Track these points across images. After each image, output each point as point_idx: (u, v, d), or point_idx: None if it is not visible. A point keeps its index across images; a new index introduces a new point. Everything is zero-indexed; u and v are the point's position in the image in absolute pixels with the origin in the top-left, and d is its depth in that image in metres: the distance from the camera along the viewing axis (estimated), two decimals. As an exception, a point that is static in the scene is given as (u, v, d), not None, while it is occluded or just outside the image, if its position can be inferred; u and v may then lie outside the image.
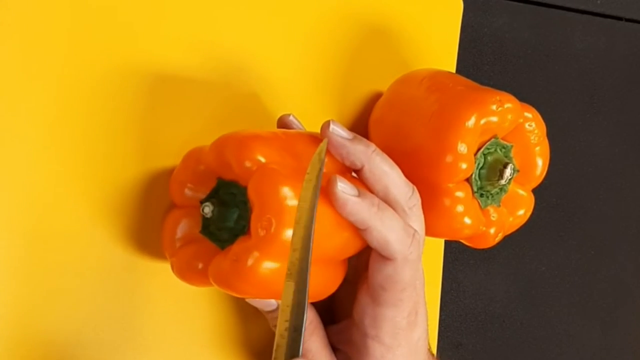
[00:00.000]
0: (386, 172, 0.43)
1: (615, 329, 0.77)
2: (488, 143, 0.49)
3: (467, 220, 0.48)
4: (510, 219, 0.52)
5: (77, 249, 0.44)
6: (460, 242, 0.52)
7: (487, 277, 0.69)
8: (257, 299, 0.43)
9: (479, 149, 0.49)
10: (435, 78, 0.51)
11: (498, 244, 0.52)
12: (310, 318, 0.45)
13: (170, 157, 0.46)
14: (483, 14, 0.67)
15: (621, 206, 0.77)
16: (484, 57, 0.67)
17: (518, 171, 0.50)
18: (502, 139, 0.50)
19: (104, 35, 0.45)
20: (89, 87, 0.44)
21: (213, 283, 0.40)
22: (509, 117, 0.48)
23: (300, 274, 0.36)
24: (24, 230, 0.42)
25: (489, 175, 0.49)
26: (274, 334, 0.37)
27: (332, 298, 0.45)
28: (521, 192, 0.52)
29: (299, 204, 0.37)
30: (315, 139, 0.43)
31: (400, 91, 0.53)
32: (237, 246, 0.40)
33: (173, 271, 0.43)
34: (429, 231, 0.46)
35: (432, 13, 0.60)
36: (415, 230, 0.43)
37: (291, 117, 0.47)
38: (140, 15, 0.46)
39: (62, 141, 0.43)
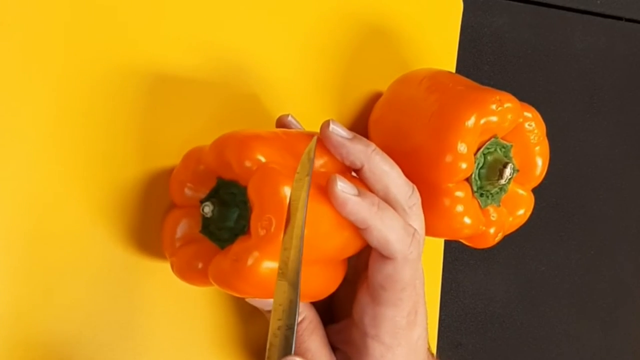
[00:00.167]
0: (386, 171, 0.43)
1: (615, 329, 0.77)
2: (488, 143, 0.49)
3: (467, 220, 0.48)
4: (510, 218, 0.52)
5: (77, 249, 0.44)
6: (460, 242, 0.52)
7: (487, 277, 0.69)
8: (257, 299, 0.43)
9: (478, 149, 0.49)
10: (435, 78, 0.51)
11: (498, 244, 0.52)
12: (310, 317, 0.45)
13: (170, 157, 0.46)
14: (483, 14, 0.67)
15: (621, 206, 0.77)
16: (484, 57, 0.67)
17: (518, 171, 0.50)
18: (502, 138, 0.50)
19: (104, 36, 0.45)
20: (89, 87, 0.44)
21: (213, 283, 0.40)
22: (509, 116, 0.48)
23: (292, 273, 0.36)
24: (24, 230, 0.42)
25: (489, 175, 0.49)
26: None
27: (331, 298, 0.45)
28: (521, 192, 0.52)
29: (290, 204, 0.37)
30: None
31: (400, 91, 0.53)
32: (237, 246, 0.40)
33: (173, 271, 0.43)
34: (429, 231, 0.46)
35: (432, 13, 0.60)
36: (415, 230, 0.43)
37: (290, 118, 0.47)
38: (140, 15, 0.46)
39: (62, 141, 0.43)
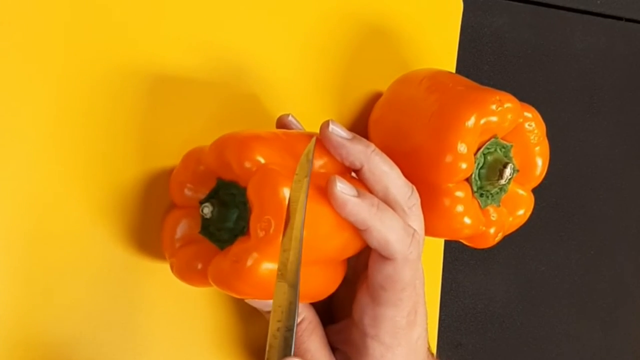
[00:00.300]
0: (385, 172, 0.43)
1: (615, 329, 0.77)
2: (488, 143, 0.49)
3: (467, 220, 0.48)
4: (510, 218, 0.52)
5: (77, 249, 0.44)
6: (460, 242, 0.52)
7: (487, 277, 0.69)
8: (256, 299, 0.43)
9: (478, 149, 0.49)
10: (435, 78, 0.51)
11: (498, 244, 0.52)
12: (310, 318, 0.45)
13: (170, 157, 0.46)
14: (483, 14, 0.67)
15: (621, 206, 0.77)
16: (484, 57, 0.67)
17: (518, 171, 0.50)
18: (502, 138, 0.50)
19: (104, 36, 0.45)
20: (89, 87, 0.44)
21: (212, 283, 0.40)
22: (509, 117, 0.48)
23: (291, 275, 0.36)
24: (24, 230, 0.42)
25: (489, 175, 0.49)
26: None
27: (331, 298, 0.45)
28: (521, 192, 0.52)
29: (288, 205, 0.37)
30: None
31: (400, 91, 0.53)
32: (237, 247, 0.40)
33: (173, 271, 0.43)
34: (429, 231, 0.46)
35: (432, 13, 0.60)
36: (415, 230, 0.43)
37: (290, 117, 0.47)
38: (140, 15, 0.46)
39: (62, 141, 0.43)
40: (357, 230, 0.42)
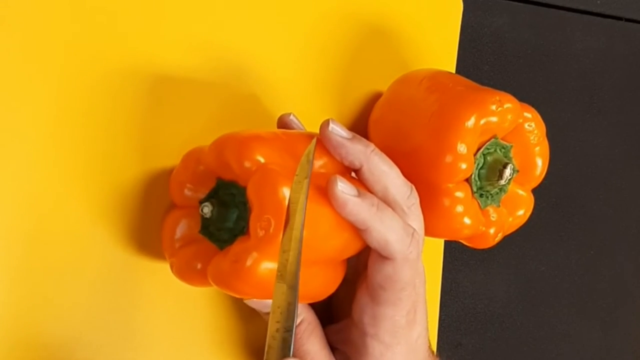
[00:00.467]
0: (385, 171, 0.43)
1: (615, 329, 0.77)
2: (488, 143, 0.49)
3: (467, 220, 0.48)
4: (510, 219, 0.52)
5: (77, 249, 0.44)
6: (460, 242, 0.52)
7: (487, 277, 0.69)
8: (255, 300, 0.43)
9: (478, 149, 0.49)
10: (435, 78, 0.51)
11: (498, 244, 0.52)
12: (309, 319, 0.45)
13: (170, 157, 0.46)
14: (483, 14, 0.67)
15: (621, 206, 0.77)
16: (484, 57, 0.67)
17: (518, 171, 0.50)
18: (502, 139, 0.50)
19: (104, 36, 0.45)
20: (89, 88, 0.44)
21: (212, 283, 0.40)
22: (509, 117, 0.48)
23: (290, 275, 0.36)
24: (24, 230, 0.42)
25: (489, 176, 0.49)
26: None
27: (331, 298, 0.45)
28: (521, 192, 0.52)
29: (288, 206, 0.37)
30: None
31: (400, 91, 0.53)
32: (236, 246, 0.40)
33: (172, 271, 0.43)
34: (429, 232, 0.46)
35: (432, 13, 0.60)
36: (415, 230, 0.43)
37: (291, 117, 0.47)
38: (140, 15, 0.46)
39: (62, 141, 0.43)
40: (357, 231, 0.42)
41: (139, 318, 0.46)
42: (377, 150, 0.43)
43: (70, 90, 0.44)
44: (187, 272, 0.42)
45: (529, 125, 0.51)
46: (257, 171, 0.39)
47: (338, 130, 0.42)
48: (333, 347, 0.46)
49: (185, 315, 0.47)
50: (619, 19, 0.75)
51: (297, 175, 0.38)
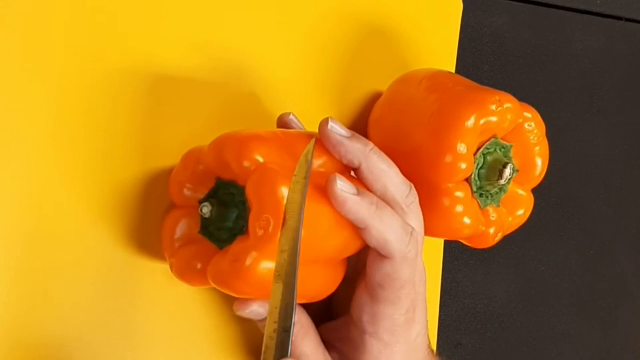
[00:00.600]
0: (384, 170, 0.43)
1: (615, 329, 0.77)
2: (488, 143, 0.49)
3: (467, 220, 0.48)
4: (510, 219, 0.52)
5: (77, 249, 0.44)
6: (460, 242, 0.52)
7: (487, 277, 0.69)
8: (247, 311, 0.42)
9: (478, 149, 0.49)
10: (435, 78, 0.51)
11: (498, 244, 0.52)
12: (302, 321, 0.45)
13: (170, 157, 0.46)
14: (483, 14, 0.67)
15: (621, 206, 0.77)
16: (484, 57, 0.67)
17: (518, 171, 0.50)
18: (502, 139, 0.50)
19: (104, 36, 0.45)
20: (88, 87, 0.44)
21: (212, 283, 0.40)
22: (509, 117, 0.48)
23: (288, 276, 0.36)
24: (24, 231, 0.42)
25: (489, 175, 0.49)
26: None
27: (331, 297, 0.45)
28: (521, 192, 0.52)
29: (287, 206, 0.37)
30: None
31: (400, 91, 0.53)
32: (236, 246, 0.40)
33: (172, 271, 0.43)
34: (429, 231, 0.46)
35: (432, 13, 0.60)
36: (414, 229, 0.43)
37: (291, 116, 0.47)
38: (140, 15, 0.46)
39: (62, 141, 0.43)
40: (357, 230, 0.42)
41: (139, 318, 0.46)
42: (376, 149, 0.43)
43: (70, 90, 0.44)
44: (187, 272, 0.42)
45: (529, 125, 0.51)
46: (256, 171, 0.39)
47: (337, 129, 0.42)
48: (330, 345, 0.46)
49: (185, 315, 0.47)
50: (619, 19, 0.75)
51: (295, 175, 0.38)
